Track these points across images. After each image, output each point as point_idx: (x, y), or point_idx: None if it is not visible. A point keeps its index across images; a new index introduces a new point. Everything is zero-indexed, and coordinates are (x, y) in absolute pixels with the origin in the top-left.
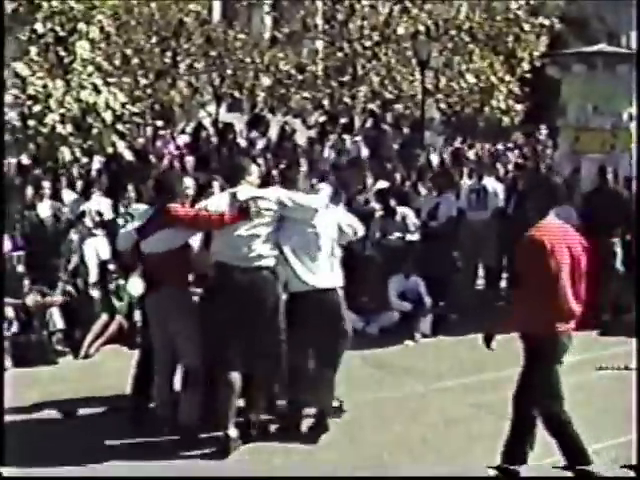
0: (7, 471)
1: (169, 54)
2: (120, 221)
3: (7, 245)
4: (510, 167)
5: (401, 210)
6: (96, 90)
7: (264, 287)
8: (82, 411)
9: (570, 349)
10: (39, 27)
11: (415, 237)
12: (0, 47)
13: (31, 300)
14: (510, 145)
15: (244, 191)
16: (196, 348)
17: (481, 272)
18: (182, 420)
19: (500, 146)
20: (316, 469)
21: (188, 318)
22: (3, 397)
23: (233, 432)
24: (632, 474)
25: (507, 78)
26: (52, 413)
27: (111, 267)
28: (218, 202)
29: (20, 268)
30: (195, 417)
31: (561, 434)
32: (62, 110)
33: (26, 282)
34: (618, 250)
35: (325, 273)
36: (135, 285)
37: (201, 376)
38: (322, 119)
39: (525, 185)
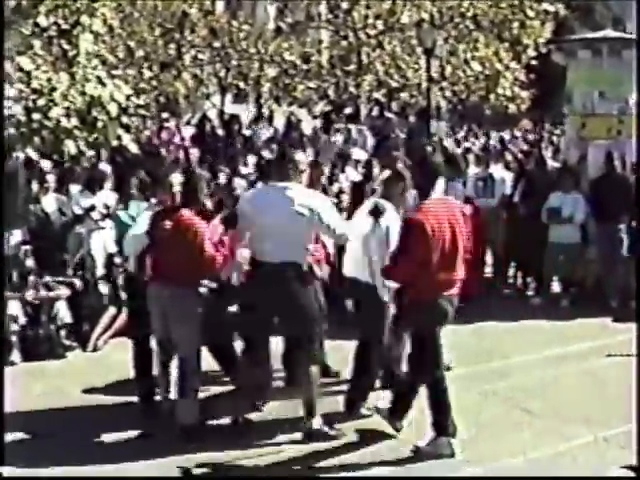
0: (7, 471)
1: (173, 46)
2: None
3: (18, 238)
4: (517, 154)
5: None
6: (101, 83)
7: (293, 283)
8: (91, 403)
9: (451, 310)
10: (42, 20)
11: None
12: (0, 43)
13: (31, 295)
14: (517, 132)
15: (295, 192)
16: (195, 348)
17: (489, 260)
18: (182, 421)
19: (506, 134)
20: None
21: (190, 320)
22: (3, 398)
23: (317, 423)
24: (632, 474)
25: (512, 65)
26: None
27: (118, 260)
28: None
29: (30, 262)
30: (195, 417)
31: (438, 401)
32: (67, 103)
33: (31, 277)
34: (625, 236)
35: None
36: None
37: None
38: (327, 109)
39: (411, 166)
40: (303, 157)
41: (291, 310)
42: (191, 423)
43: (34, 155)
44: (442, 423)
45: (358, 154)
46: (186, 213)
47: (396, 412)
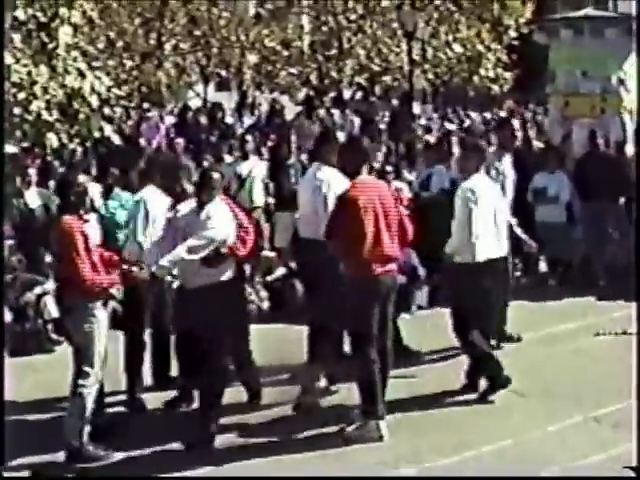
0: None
1: (154, 35)
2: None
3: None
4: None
5: (394, 184)
6: (81, 75)
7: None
8: None
9: (394, 288)
10: (20, 14)
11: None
12: (0, 45)
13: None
14: (501, 113)
15: (323, 173)
16: (89, 367)
17: None
18: (67, 439)
19: (489, 114)
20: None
21: (82, 338)
22: (3, 399)
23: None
24: (632, 474)
25: (494, 46)
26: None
27: None
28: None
29: (13, 258)
30: (78, 439)
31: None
32: (47, 96)
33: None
34: (611, 214)
35: None
36: None
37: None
38: (310, 94)
39: (340, 146)
40: (378, 147)
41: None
42: (74, 445)
43: (15, 149)
44: (370, 407)
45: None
46: (63, 221)
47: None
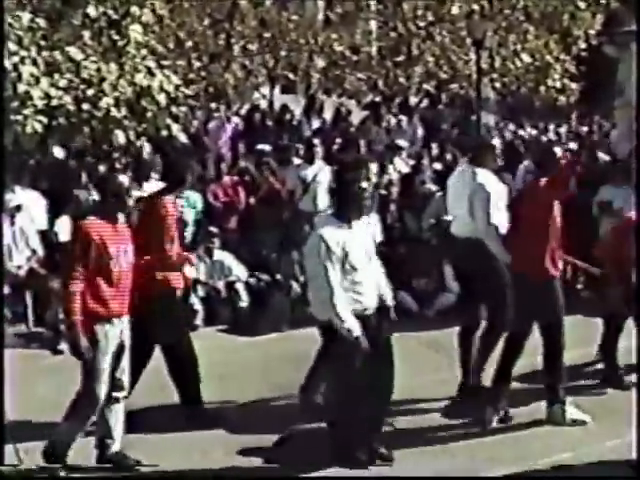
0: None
1: (223, 36)
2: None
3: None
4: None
5: None
6: (150, 73)
7: None
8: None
9: None
10: (92, 11)
11: None
12: (0, 46)
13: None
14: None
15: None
16: None
17: None
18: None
19: (552, 126)
20: None
21: None
22: (4, 397)
23: None
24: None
25: (562, 57)
26: None
27: None
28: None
29: None
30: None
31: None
32: (116, 93)
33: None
34: None
35: None
36: None
37: None
38: (377, 99)
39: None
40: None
41: None
42: None
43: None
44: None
45: (401, 143)
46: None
47: None
